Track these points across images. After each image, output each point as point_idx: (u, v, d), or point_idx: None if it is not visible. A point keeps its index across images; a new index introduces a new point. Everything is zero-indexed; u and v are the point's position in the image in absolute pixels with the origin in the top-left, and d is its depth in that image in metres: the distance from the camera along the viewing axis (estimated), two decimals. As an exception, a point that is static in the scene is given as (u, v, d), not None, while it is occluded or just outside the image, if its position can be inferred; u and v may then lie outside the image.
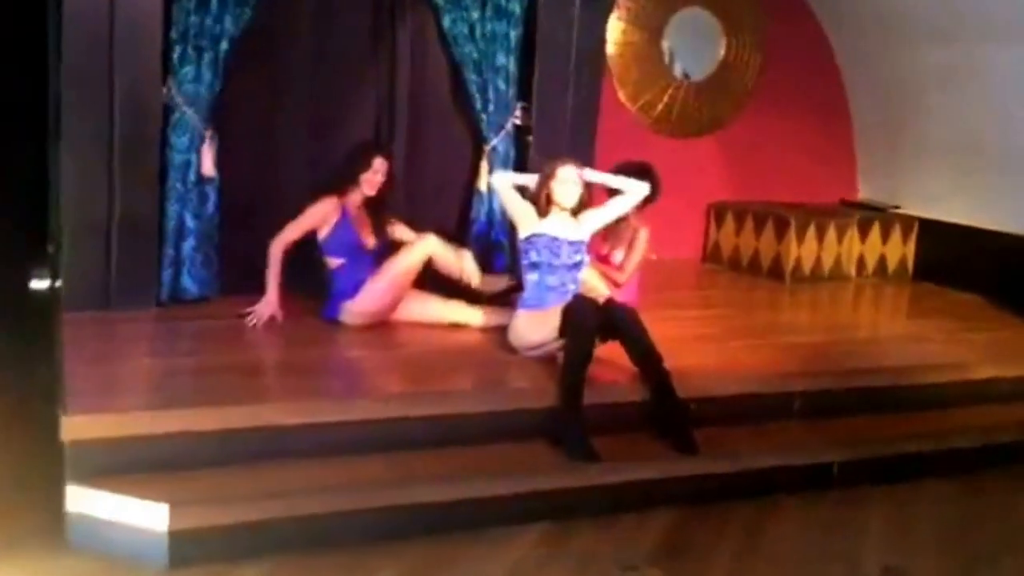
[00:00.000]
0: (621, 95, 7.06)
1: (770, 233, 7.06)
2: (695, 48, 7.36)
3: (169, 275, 4.92)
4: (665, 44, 7.23)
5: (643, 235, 5.10)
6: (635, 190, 4.67)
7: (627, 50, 6.97)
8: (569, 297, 4.38)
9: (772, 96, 7.45)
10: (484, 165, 5.44)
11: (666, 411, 4.09)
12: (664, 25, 7.10)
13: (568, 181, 4.49)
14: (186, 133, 4.82)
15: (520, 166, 5.42)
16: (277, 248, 4.68)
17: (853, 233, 7.21)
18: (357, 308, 4.73)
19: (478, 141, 5.47)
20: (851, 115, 7.83)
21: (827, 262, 7.13)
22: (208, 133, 4.86)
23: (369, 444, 3.85)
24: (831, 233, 7.10)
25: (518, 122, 5.46)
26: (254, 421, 3.70)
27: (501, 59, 5.37)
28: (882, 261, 7.38)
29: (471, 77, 5.35)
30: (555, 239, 4.47)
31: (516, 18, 5.36)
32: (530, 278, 4.51)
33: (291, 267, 4.74)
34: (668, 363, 4.12)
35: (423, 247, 4.75)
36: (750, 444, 4.28)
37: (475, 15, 5.27)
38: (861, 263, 7.30)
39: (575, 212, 4.58)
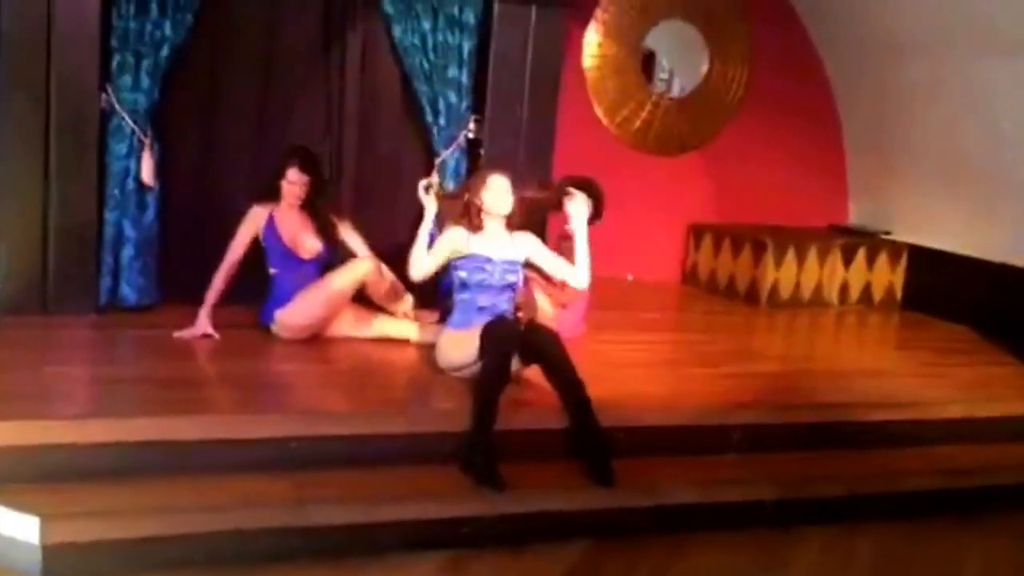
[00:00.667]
0: (598, 111, 6.91)
1: (747, 256, 6.87)
2: (675, 61, 7.19)
3: (108, 282, 4.87)
4: (662, 60, 7.09)
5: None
6: (579, 218, 4.54)
7: (604, 63, 6.82)
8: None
9: (759, 112, 7.25)
10: (435, 178, 5.32)
11: (585, 439, 3.94)
12: (641, 39, 6.93)
13: (500, 189, 4.36)
14: (124, 140, 4.77)
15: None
16: (219, 273, 4.65)
17: (836, 258, 7.00)
18: (286, 320, 4.65)
19: (430, 153, 5.36)
20: (843, 135, 7.61)
21: (807, 288, 6.93)
22: (147, 141, 4.80)
23: (276, 462, 3.74)
24: (812, 257, 6.89)
25: (471, 135, 5.34)
26: (149, 435, 3.61)
27: (453, 71, 5.26)
28: (867, 288, 7.15)
29: (421, 88, 5.25)
30: (488, 259, 4.35)
31: (470, 29, 5.25)
32: (460, 297, 4.39)
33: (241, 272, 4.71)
34: (615, 390, 4.05)
35: (356, 271, 4.65)
36: (678, 477, 4.09)
37: (427, 25, 5.17)
38: (844, 290, 7.08)
39: (510, 227, 4.45)
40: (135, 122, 4.75)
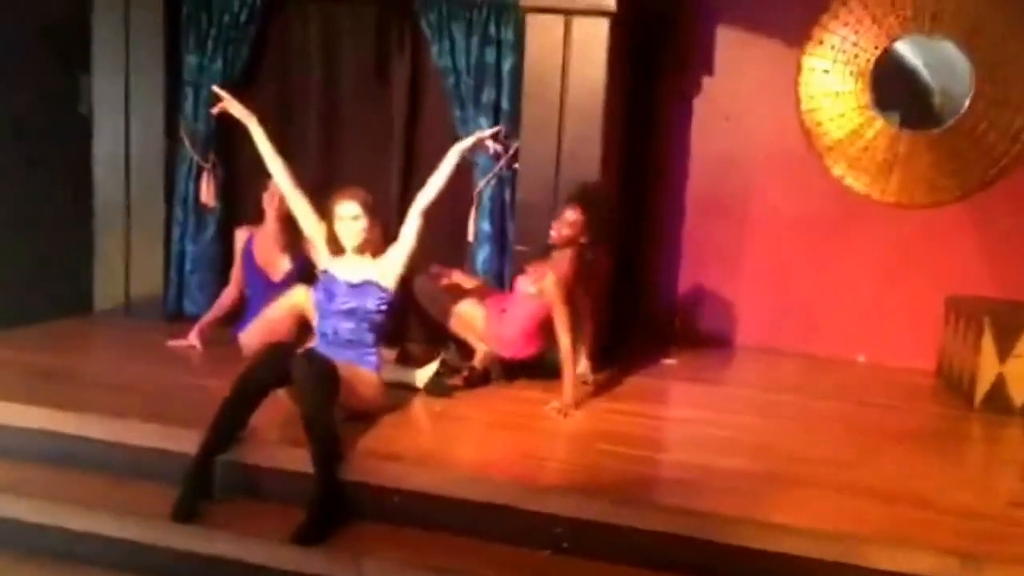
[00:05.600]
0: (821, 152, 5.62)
1: (973, 339, 4.96)
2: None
3: (172, 295, 5.43)
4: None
5: (549, 280, 4.28)
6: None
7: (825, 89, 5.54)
8: (345, 351, 3.87)
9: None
10: (472, 213, 4.94)
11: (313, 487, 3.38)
12: (872, 60, 5.48)
13: (345, 218, 3.92)
14: (184, 163, 5.30)
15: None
16: (221, 299, 4.90)
17: None
18: (242, 340, 4.67)
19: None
20: None
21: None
22: (208, 164, 5.28)
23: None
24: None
25: (503, 167, 4.85)
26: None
27: (489, 93, 4.83)
28: None
29: (456, 113, 4.90)
30: (334, 280, 3.96)
31: (509, 46, 4.78)
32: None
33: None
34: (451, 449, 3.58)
35: (290, 298, 4.48)
36: (416, 561, 3.25)
37: (461, 43, 4.84)
38: None
39: (374, 253, 3.99)
40: (193, 147, 5.25)
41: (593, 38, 4.62)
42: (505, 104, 4.84)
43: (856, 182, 5.61)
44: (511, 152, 4.81)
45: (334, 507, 3.39)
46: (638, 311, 5.79)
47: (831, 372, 5.52)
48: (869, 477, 3.76)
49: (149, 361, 4.69)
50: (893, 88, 5.50)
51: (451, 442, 3.91)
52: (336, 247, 3.98)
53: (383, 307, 3.95)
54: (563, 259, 4.36)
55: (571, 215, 4.35)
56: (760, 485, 3.59)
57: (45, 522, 3.56)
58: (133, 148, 5.39)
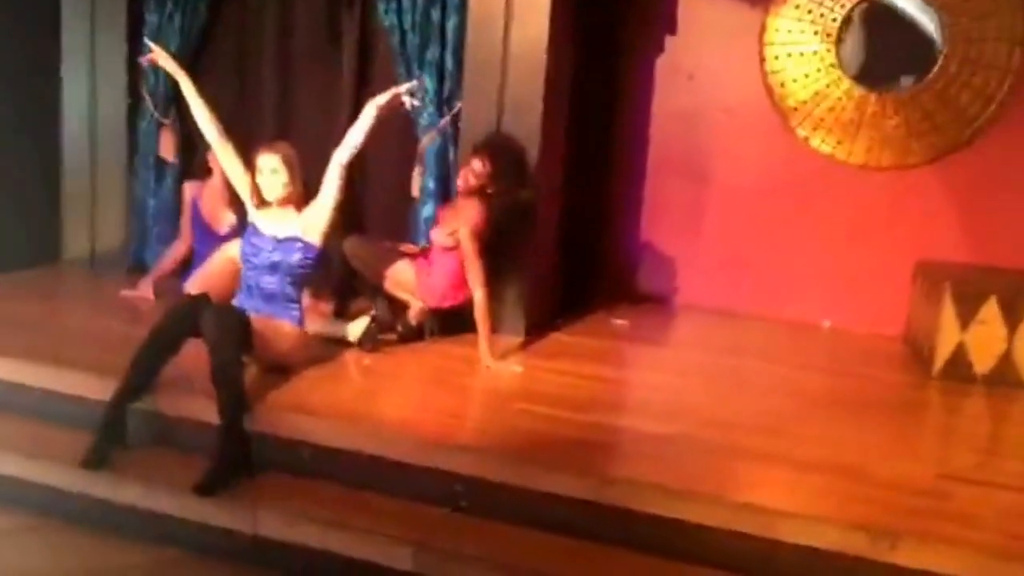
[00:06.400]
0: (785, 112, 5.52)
1: (935, 307, 4.87)
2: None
3: (135, 247, 5.53)
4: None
5: (463, 232, 4.32)
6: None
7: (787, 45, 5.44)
8: (265, 304, 3.91)
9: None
10: (416, 170, 4.94)
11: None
12: (839, 20, 5.35)
13: (264, 170, 3.94)
14: (145, 120, 5.37)
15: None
16: (172, 251, 5.02)
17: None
18: (186, 290, 4.74)
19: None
20: None
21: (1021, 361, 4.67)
22: (168, 121, 5.33)
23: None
24: (1033, 318, 4.63)
25: (446, 127, 4.86)
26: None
27: (433, 52, 4.81)
28: None
29: (399, 71, 4.90)
30: (259, 233, 3.99)
31: (453, 5, 4.75)
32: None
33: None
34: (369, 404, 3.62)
35: (225, 251, 4.52)
36: (316, 514, 3.30)
37: (407, 2, 4.82)
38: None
39: (297, 207, 4.01)
40: (154, 104, 5.31)
41: (535, -4, 4.56)
42: (449, 63, 4.82)
43: (822, 143, 5.50)
44: (454, 111, 4.79)
45: (236, 458, 3.44)
46: (594, 270, 5.75)
47: (792, 337, 5.43)
48: (798, 446, 3.67)
49: (98, 309, 4.79)
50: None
51: (369, 397, 3.95)
52: (260, 200, 4.01)
53: (307, 262, 3.98)
54: (471, 208, 4.36)
55: (476, 164, 4.38)
56: (674, 450, 3.56)
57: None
58: (100, 106, 5.48)
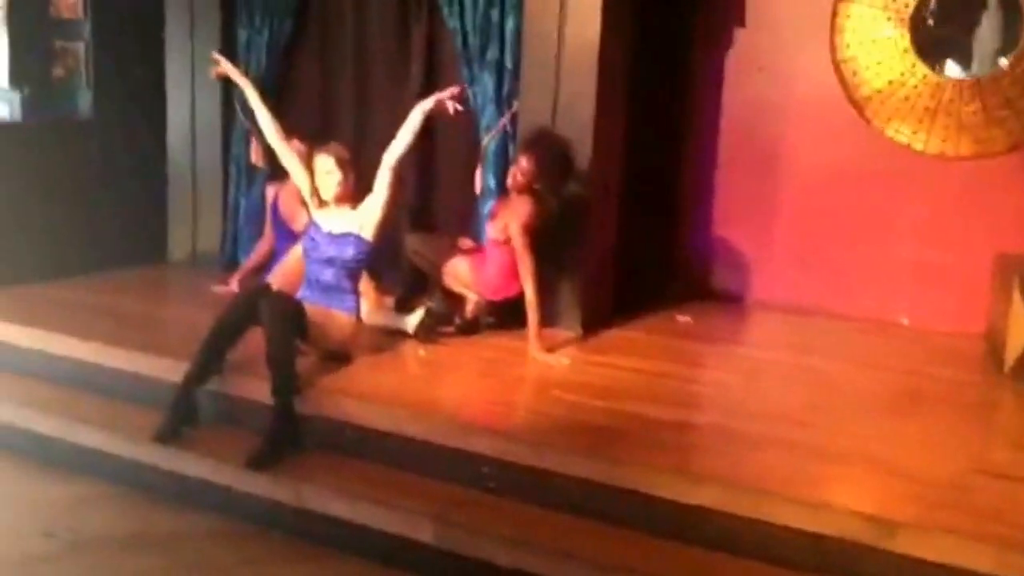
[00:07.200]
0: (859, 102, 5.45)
1: (1010, 302, 4.72)
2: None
3: (229, 246, 5.94)
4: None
5: (514, 229, 4.48)
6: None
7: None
8: (323, 296, 4.19)
9: None
10: (479, 167, 5.13)
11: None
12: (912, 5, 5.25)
13: (320, 172, 4.21)
14: (237, 128, 5.80)
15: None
16: (257, 249, 5.40)
17: None
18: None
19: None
20: None
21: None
22: (255, 128, 5.70)
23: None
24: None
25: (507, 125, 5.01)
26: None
27: (493, 53, 5.00)
28: None
29: (464, 73, 5.10)
30: (318, 229, 4.26)
31: (512, 5, 4.90)
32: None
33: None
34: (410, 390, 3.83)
35: (298, 248, 4.78)
36: (362, 492, 3.53)
37: (468, 4, 5.02)
38: None
39: (353, 204, 4.26)
40: (244, 114, 5.70)
41: (587, -5, 4.66)
42: (508, 62, 4.98)
43: (897, 133, 5.41)
44: (513, 109, 4.96)
45: (286, 436, 3.72)
46: (666, 267, 5.79)
47: (866, 336, 5.30)
48: (824, 437, 3.68)
49: (190, 303, 5.22)
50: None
51: (414, 383, 4.17)
52: (320, 199, 4.29)
53: (361, 257, 4.23)
54: (521, 204, 4.50)
55: (523, 162, 4.53)
56: (698, 439, 3.64)
57: (55, 435, 4.11)
58: (198, 118, 5.92)
